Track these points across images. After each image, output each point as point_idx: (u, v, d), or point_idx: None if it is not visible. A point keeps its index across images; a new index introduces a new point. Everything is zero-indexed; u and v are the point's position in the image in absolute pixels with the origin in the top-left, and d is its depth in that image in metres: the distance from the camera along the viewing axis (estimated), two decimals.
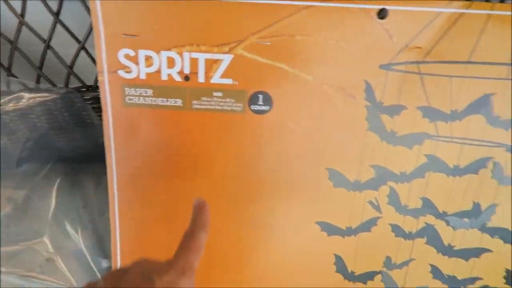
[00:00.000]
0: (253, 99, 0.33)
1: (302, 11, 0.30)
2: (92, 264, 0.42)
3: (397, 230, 0.37)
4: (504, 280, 0.39)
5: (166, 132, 0.34)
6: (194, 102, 0.33)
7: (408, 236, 0.38)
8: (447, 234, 0.37)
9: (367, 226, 0.37)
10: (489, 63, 0.30)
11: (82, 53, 0.38)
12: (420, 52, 0.31)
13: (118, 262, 0.39)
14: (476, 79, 0.31)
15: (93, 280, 0.24)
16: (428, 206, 0.36)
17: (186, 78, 0.33)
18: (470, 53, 0.30)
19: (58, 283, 0.41)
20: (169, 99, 0.33)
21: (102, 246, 0.43)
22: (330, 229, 0.37)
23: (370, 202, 0.36)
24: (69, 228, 0.42)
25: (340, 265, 0.39)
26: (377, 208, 0.36)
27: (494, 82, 0.31)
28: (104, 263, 0.43)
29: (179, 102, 0.33)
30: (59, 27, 0.37)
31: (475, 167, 0.34)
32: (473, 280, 0.39)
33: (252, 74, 0.32)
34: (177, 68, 0.32)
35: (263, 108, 0.33)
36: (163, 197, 0.37)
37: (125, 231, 0.38)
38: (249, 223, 0.38)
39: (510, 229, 0.36)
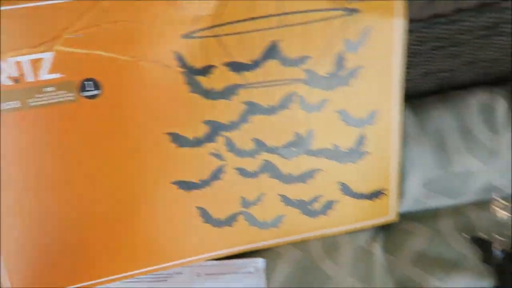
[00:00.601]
0: (82, 87, 0.37)
1: (101, 3, 0.35)
2: None
3: (242, 172, 0.44)
4: (340, 192, 0.47)
5: (12, 134, 0.38)
6: (29, 100, 0.37)
7: (253, 174, 0.44)
8: (283, 165, 0.44)
9: (217, 174, 0.43)
10: (267, 16, 0.37)
11: None
12: (211, 18, 0.37)
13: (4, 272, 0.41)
14: (261, 31, 0.38)
15: None
16: (260, 145, 0.43)
17: (16, 80, 0.36)
18: (248, 12, 0.37)
19: None
20: (7, 102, 0.37)
21: None
22: (186, 186, 0.43)
23: (212, 153, 0.42)
24: None
25: (205, 216, 0.45)
26: (220, 157, 0.43)
27: (276, 30, 0.38)
28: None
29: (17, 103, 0.37)
30: None
31: (285, 103, 0.41)
32: (316, 198, 0.46)
33: (76, 65, 0.37)
34: (5, 73, 0.36)
35: (94, 92, 0.38)
36: (34, 200, 0.40)
37: (6, 238, 0.41)
38: (116, 200, 0.42)
39: (329, 147, 0.44)
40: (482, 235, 0.45)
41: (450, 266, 0.45)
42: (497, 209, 0.46)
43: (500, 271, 0.43)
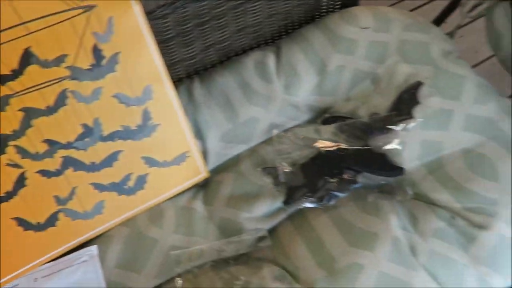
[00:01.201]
0: None
1: None
2: None
3: (45, 173, 0.47)
4: (146, 165, 0.52)
5: None
6: None
7: (57, 173, 0.48)
8: (83, 156, 0.49)
9: (20, 182, 0.46)
10: (11, 27, 0.41)
11: None
12: None
13: None
14: (10, 42, 0.42)
15: None
16: (53, 144, 0.47)
17: None
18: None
19: None
20: None
21: None
22: None
23: (8, 164, 0.45)
24: None
25: (23, 224, 0.48)
26: (17, 166, 0.46)
27: (24, 38, 0.42)
28: None
29: None
30: None
31: (61, 101, 0.46)
32: (127, 177, 0.51)
33: None
34: None
35: None
36: None
37: None
38: None
39: (120, 129, 0.49)
40: (271, 164, 0.53)
41: (253, 198, 0.52)
42: (278, 141, 0.55)
43: (287, 188, 0.51)
